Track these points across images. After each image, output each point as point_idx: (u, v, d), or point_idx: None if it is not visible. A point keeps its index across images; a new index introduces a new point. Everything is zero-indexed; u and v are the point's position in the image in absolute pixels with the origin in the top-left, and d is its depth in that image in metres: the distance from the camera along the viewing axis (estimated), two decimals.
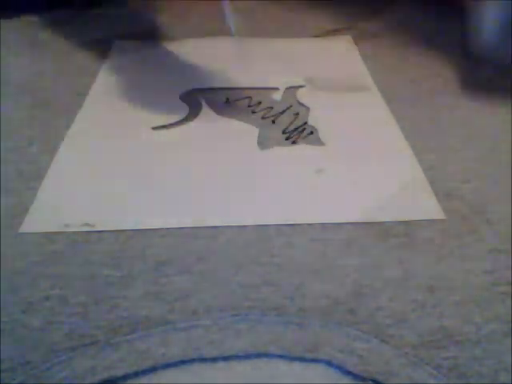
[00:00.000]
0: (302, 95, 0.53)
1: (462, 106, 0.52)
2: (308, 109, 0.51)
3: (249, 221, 0.39)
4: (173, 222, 0.38)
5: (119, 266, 0.35)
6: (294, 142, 0.47)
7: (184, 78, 0.55)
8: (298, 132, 0.48)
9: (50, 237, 0.37)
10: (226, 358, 0.30)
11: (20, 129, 0.48)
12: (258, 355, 0.30)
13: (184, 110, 0.51)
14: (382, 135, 0.48)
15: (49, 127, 0.48)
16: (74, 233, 0.37)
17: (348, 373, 0.29)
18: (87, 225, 0.38)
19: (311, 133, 0.47)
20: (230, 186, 0.42)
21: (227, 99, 0.52)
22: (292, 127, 0.48)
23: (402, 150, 0.46)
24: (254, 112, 0.50)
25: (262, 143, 0.47)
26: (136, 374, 0.29)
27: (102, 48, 0.62)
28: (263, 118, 0.50)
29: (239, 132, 0.48)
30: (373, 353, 0.30)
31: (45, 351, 0.30)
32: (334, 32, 0.66)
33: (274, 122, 0.49)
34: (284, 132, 0.48)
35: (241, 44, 0.59)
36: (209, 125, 0.49)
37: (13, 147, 0.46)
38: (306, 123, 0.49)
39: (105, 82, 0.56)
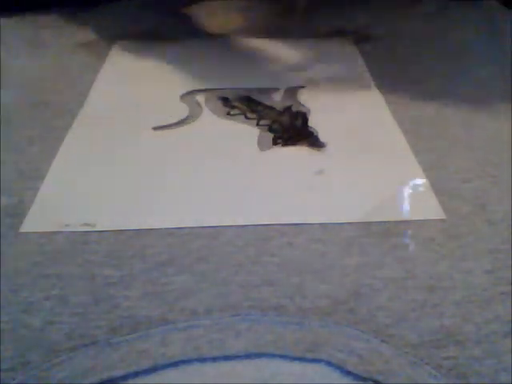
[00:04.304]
0: (303, 96, 0.53)
1: (462, 106, 0.52)
2: (308, 109, 0.51)
3: (249, 221, 0.39)
4: (173, 222, 0.38)
5: (119, 266, 0.35)
6: (293, 143, 0.47)
7: (184, 79, 0.55)
8: (298, 133, 0.48)
9: (50, 236, 0.37)
10: (226, 358, 0.30)
11: (20, 129, 0.48)
12: (258, 355, 0.30)
13: (184, 111, 0.51)
14: (382, 135, 0.48)
15: (49, 127, 0.48)
16: (74, 233, 0.37)
17: (348, 373, 0.29)
18: (87, 225, 0.38)
19: (311, 133, 0.47)
20: (230, 186, 0.42)
21: (227, 100, 0.52)
22: (292, 128, 0.48)
23: (402, 150, 0.46)
24: (253, 112, 0.50)
25: (262, 144, 0.47)
26: (136, 374, 0.29)
27: (101, 48, 0.62)
28: (263, 118, 0.50)
29: (239, 132, 0.48)
30: (373, 352, 0.30)
31: (45, 351, 0.30)
32: (334, 33, 0.66)
33: (274, 122, 0.49)
34: (284, 133, 0.48)
35: (241, 44, 0.59)
36: (209, 125, 0.49)
37: (13, 147, 0.46)
38: (306, 123, 0.49)
39: (105, 82, 0.56)
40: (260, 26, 0.47)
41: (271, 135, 0.47)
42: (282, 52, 0.62)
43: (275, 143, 0.46)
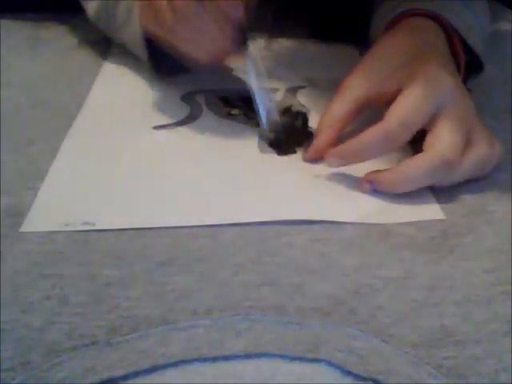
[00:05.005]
0: (303, 96, 0.53)
1: None
2: (308, 109, 0.51)
3: (249, 221, 0.39)
4: (173, 222, 0.38)
5: (119, 266, 0.35)
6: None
7: (185, 79, 0.55)
8: (298, 133, 0.48)
9: (50, 236, 0.37)
10: (226, 358, 0.30)
11: (20, 129, 0.48)
12: (258, 355, 0.30)
13: (184, 111, 0.51)
14: None
15: (49, 127, 0.48)
16: (74, 232, 0.37)
17: (348, 372, 0.29)
18: (87, 224, 0.38)
19: (311, 134, 0.47)
20: (230, 186, 0.42)
21: (228, 100, 0.52)
22: (292, 128, 0.48)
23: (402, 150, 0.46)
24: (254, 112, 0.50)
25: (263, 144, 0.47)
26: (136, 374, 0.29)
27: (102, 48, 0.62)
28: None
29: (239, 132, 0.48)
30: (373, 352, 0.30)
31: (45, 351, 0.30)
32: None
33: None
34: (284, 133, 0.48)
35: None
36: (209, 125, 0.49)
37: (13, 147, 0.46)
38: (306, 124, 0.49)
39: (105, 82, 0.56)
40: (262, 27, 0.47)
41: (271, 136, 0.47)
42: (283, 52, 0.62)
43: (271, 146, 0.46)
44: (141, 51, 0.52)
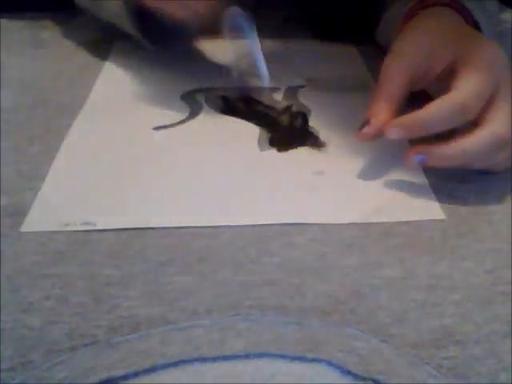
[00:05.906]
0: (303, 95, 0.53)
1: None
2: (308, 109, 0.51)
3: (249, 221, 0.39)
4: (173, 222, 0.38)
5: (119, 266, 0.35)
6: (290, 148, 0.46)
7: (184, 78, 0.55)
8: (298, 133, 0.48)
9: (50, 236, 0.37)
10: (225, 358, 0.30)
11: (20, 129, 0.48)
12: (258, 355, 0.30)
13: (184, 110, 0.51)
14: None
15: (49, 127, 0.48)
16: (74, 232, 0.37)
17: (348, 372, 0.29)
18: (87, 224, 0.38)
19: (311, 134, 0.47)
20: (231, 186, 0.42)
21: (228, 99, 0.52)
22: (292, 128, 0.48)
23: (403, 150, 0.46)
24: (254, 112, 0.50)
25: (262, 144, 0.47)
26: (136, 374, 0.29)
27: (102, 48, 0.62)
28: (263, 118, 0.50)
29: (239, 132, 0.48)
30: (373, 352, 0.30)
31: (45, 351, 0.30)
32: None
33: (274, 122, 0.49)
34: (284, 133, 0.48)
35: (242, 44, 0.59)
36: (209, 125, 0.49)
37: (13, 147, 0.46)
38: (306, 123, 0.49)
39: (105, 82, 0.56)
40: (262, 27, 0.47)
41: (270, 135, 0.47)
42: (284, 52, 0.62)
43: (272, 145, 0.46)
44: (126, 20, 0.51)
